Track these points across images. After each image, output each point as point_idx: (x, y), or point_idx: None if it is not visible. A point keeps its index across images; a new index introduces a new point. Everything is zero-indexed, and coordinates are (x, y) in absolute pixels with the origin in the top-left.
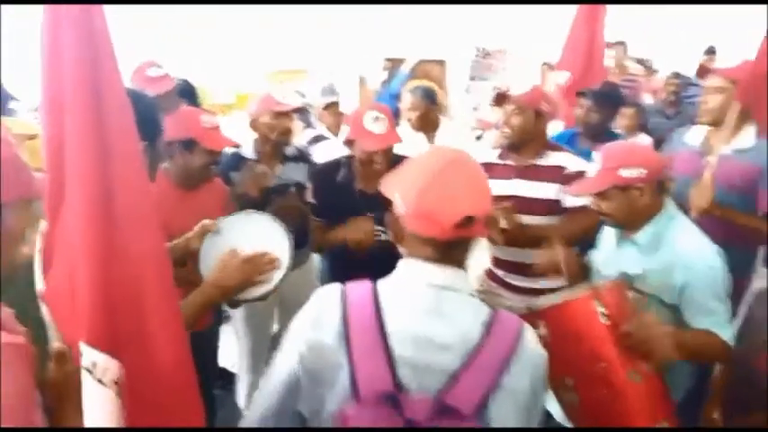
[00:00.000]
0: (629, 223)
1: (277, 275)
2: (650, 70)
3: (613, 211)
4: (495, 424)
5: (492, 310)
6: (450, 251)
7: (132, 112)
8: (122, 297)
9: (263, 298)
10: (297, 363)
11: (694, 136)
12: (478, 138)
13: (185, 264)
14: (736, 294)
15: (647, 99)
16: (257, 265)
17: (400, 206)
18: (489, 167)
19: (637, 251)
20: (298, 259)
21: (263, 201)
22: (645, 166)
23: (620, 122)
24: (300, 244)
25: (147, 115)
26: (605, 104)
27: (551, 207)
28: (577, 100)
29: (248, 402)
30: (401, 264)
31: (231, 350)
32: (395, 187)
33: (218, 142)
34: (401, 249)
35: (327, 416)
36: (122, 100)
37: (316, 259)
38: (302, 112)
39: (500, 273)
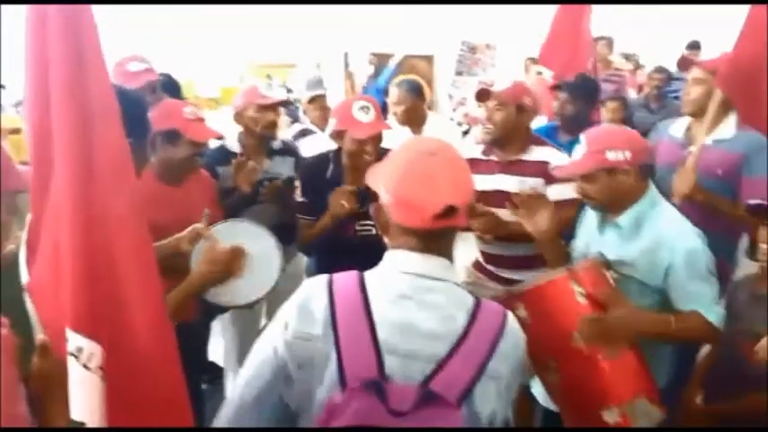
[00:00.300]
0: (613, 206)
1: (266, 285)
2: (637, 65)
3: (598, 194)
4: (478, 409)
5: (476, 298)
6: (434, 241)
7: (117, 107)
8: (105, 285)
9: (250, 306)
10: (283, 350)
11: (678, 127)
12: (465, 132)
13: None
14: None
15: (631, 94)
16: (238, 258)
17: (384, 195)
18: (473, 163)
19: (619, 235)
20: (286, 255)
21: (253, 196)
22: (630, 149)
23: (604, 116)
24: (288, 240)
25: (134, 113)
26: (580, 96)
27: None
28: (554, 93)
29: None
30: (387, 255)
31: (220, 344)
32: (379, 177)
33: (202, 133)
34: (386, 241)
35: (317, 405)
36: (108, 96)
37: (301, 262)
38: (288, 106)
39: (487, 265)
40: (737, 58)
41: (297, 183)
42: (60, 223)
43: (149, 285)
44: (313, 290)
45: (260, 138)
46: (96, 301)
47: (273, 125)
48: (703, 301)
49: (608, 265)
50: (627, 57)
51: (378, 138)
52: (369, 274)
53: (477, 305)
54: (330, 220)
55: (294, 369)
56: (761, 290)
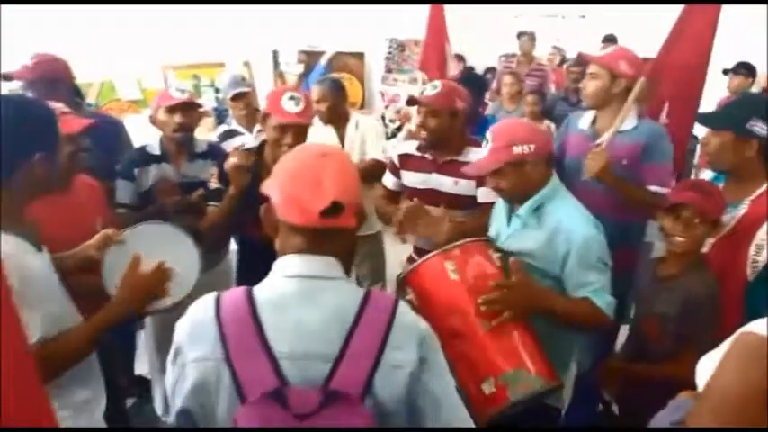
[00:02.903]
0: (521, 197)
1: (186, 286)
2: (563, 59)
3: (508, 186)
4: (386, 404)
5: (366, 291)
6: (321, 242)
7: None
8: None
9: (169, 310)
10: (180, 377)
11: (585, 120)
12: (398, 129)
13: (87, 271)
14: (632, 265)
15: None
16: (158, 279)
17: (274, 196)
18: (408, 159)
19: (521, 225)
20: (211, 261)
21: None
22: (533, 141)
23: (524, 109)
24: (213, 247)
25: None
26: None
27: (469, 202)
28: None
29: (164, 408)
30: (275, 263)
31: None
32: (271, 181)
33: (70, 125)
34: (276, 246)
35: (221, 421)
36: None
37: (232, 261)
38: (197, 108)
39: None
40: (672, 58)
41: (213, 169)
42: None
43: None
44: (199, 312)
45: (176, 140)
46: None
47: (182, 127)
48: (592, 289)
49: (498, 248)
50: (556, 49)
51: (300, 132)
52: (257, 286)
53: (366, 298)
54: (234, 191)
55: (194, 391)
56: (662, 272)
